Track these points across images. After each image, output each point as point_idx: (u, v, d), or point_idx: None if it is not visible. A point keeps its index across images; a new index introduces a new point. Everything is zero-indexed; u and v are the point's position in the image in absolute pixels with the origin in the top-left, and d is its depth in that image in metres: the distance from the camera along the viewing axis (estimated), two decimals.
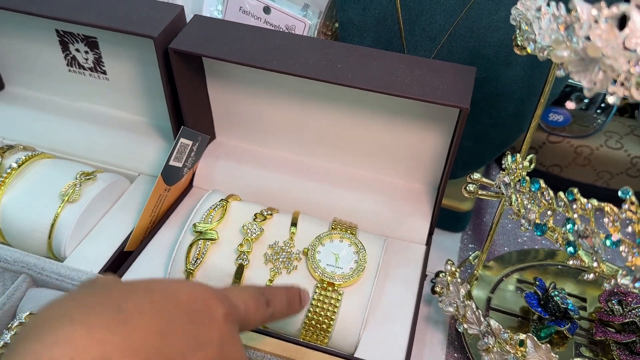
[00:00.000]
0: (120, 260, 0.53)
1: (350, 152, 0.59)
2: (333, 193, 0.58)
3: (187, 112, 0.57)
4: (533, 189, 0.39)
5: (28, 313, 0.44)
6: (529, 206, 0.40)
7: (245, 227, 0.50)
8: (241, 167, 0.61)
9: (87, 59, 0.62)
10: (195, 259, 0.49)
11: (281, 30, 0.58)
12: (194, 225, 0.50)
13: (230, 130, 0.63)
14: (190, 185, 0.61)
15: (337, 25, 0.61)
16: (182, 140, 0.55)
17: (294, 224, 0.51)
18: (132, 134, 0.63)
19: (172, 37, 0.52)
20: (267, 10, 0.57)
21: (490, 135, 0.56)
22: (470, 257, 0.58)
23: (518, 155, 0.42)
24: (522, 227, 0.40)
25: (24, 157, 0.56)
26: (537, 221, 0.39)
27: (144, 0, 0.54)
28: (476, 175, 0.47)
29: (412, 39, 0.54)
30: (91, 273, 0.48)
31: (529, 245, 0.65)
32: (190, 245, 0.49)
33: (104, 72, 0.62)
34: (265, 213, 0.52)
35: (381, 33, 0.55)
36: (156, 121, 0.64)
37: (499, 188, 0.45)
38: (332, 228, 0.51)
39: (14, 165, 0.55)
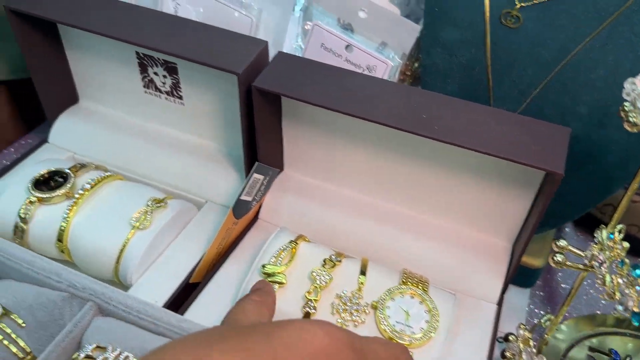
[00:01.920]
0: (186, 292, 0.52)
1: (422, 199, 0.57)
2: (401, 239, 0.56)
3: (261, 146, 0.56)
4: (634, 275, 0.36)
5: (95, 346, 0.44)
6: (626, 291, 0.37)
7: (314, 274, 0.49)
8: (308, 203, 0.60)
9: (164, 83, 0.62)
10: None
11: (362, 69, 0.56)
12: (263, 266, 0.49)
13: (299, 165, 0.62)
14: (255, 218, 0.61)
15: (416, 65, 0.60)
16: (254, 175, 0.54)
17: (362, 272, 0.50)
18: (202, 160, 0.63)
19: (254, 73, 0.52)
20: (349, 48, 0.56)
21: (574, 196, 0.53)
22: (542, 321, 0.55)
23: (616, 232, 0.40)
24: (615, 312, 0.38)
25: (96, 178, 0.57)
26: (636, 309, 0.36)
27: (227, 32, 0.54)
28: (562, 243, 0.45)
29: (500, 90, 0.52)
30: (158, 307, 0.48)
31: (602, 310, 0.61)
32: None
33: (180, 97, 0.63)
34: (335, 259, 0.50)
35: (467, 81, 0.53)
36: (227, 149, 0.64)
37: (589, 261, 0.42)
38: (403, 281, 0.49)
39: (87, 186, 0.56)
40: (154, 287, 0.52)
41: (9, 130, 0.76)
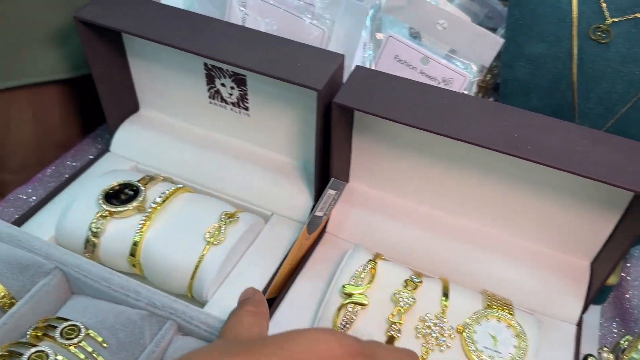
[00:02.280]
0: None
1: (500, 217, 0.55)
2: (479, 258, 0.55)
3: (335, 161, 0.55)
4: None
5: None
6: None
7: (397, 295, 0.48)
8: (376, 217, 0.59)
9: (231, 94, 0.61)
10: (344, 324, 0.47)
11: (437, 81, 0.55)
12: (343, 286, 0.48)
13: (366, 177, 0.61)
14: (323, 231, 0.60)
15: (489, 77, 0.58)
16: (329, 191, 0.53)
17: (445, 294, 0.49)
18: (267, 172, 0.62)
19: (332, 88, 0.51)
20: (424, 60, 0.55)
21: None
22: (621, 341, 0.54)
23: None
24: None
25: (167, 192, 0.56)
26: None
27: (302, 45, 0.53)
28: None
29: (585, 106, 0.51)
30: None
31: None
32: (339, 308, 0.48)
33: (246, 109, 0.62)
34: (416, 280, 0.49)
35: (551, 96, 0.52)
36: (293, 160, 0.63)
37: None
38: (488, 304, 0.48)
39: (159, 199, 0.55)
40: (230, 304, 0.51)
41: (62, 133, 0.75)
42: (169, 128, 0.67)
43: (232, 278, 0.54)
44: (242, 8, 0.59)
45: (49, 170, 0.69)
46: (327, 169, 0.57)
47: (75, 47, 0.68)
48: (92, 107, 0.71)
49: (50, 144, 0.74)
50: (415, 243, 0.57)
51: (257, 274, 0.54)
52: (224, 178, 0.63)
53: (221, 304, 0.52)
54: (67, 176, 0.68)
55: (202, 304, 0.53)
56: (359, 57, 0.59)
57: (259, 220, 0.59)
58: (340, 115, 0.51)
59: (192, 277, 0.52)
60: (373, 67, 0.58)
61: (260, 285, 0.53)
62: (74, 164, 0.71)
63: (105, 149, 0.67)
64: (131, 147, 0.66)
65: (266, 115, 0.61)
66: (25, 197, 0.66)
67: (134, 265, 0.55)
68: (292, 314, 0.51)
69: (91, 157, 0.72)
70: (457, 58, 0.54)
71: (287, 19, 0.58)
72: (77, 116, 0.77)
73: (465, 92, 0.55)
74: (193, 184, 0.63)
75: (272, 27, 0.59)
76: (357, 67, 0.52)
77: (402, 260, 0.56)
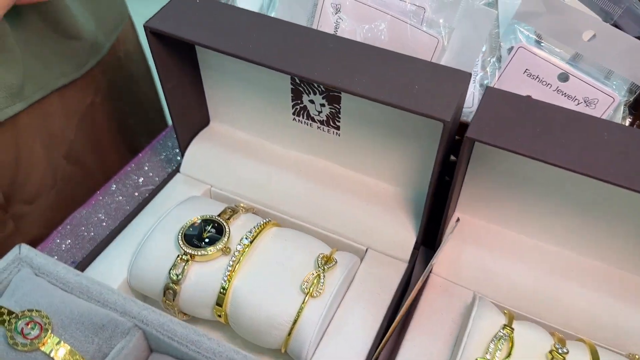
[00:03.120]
0: None
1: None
2: (620, 309, 0.47)
3: (455, 197, 0.47)
4: None
5: None
6: None
7: None
8: (489, 255, 0.51)
9: (320, 112, 0.53)
10: None
11: (577, 101, 0.46)
12: None
13: (476, 210, 0.52)
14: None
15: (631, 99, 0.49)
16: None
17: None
18: (362, 200, 0.54)
19: (456, 114, 0.42)
20: (562, 76, 0.46)
21: None
22: None
23: None
24: None
25: (254, 230, 0.49)
26: None
27: (416, 61, 0.44)
28: None
29: None
30: None
31: None
32: None
33: (337, 128, 0.53)
34: (562, 351, 0.41)
35: None
36: (395, 188, 0.55)
37: None
38: None
39: (246, 241, 0.48)
40: None
41: (72, 148, 0.68)
42: (245, 145, 0.59)
43: (332, 332, 0.47)
44: (335, 12, 0.50)
45: (106, 194, 0.63)
46: (436, 201, 0.49)
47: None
48: (101, 113, 0.62)
49: (62, 161, 0.67)
50: (538, 285, 0.48)
51: (360, 327, 0.47)
52: (311, 205, 0.55)
53: None
54: (127, 206, 0.62)
55: None
56: (475, 71, 0.50)
57: (355, 260, 0.51)
58: (468, 150, 0.42)
59: (289, 334, 0.45)
60: (494, 84, 0.49)
61: (364, 342, 0.46)
62: (136, 177, 0.65)
63: (176, 170, 0.60)
64: (203, 168, 0.59)
65: (360, 135, 0.53)
66: (84, 228, 0.59)
67: (219, 315, 0.48)
68: None
69: (150, 174, 0.65)
70: (605, 76, 0.45)
71: (391, 25, 0.49)
72: (84, 124, 0.69)
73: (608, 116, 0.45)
74: (275, 212, 0.56)
75: (372, 34, 0.50)
76: (489, 89, 0.43)
77: (525, 309, 0.48)
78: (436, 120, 0.40)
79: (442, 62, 0.49)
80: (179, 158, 0.66)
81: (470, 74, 0.43)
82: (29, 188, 0.62)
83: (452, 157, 0.51)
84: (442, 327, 0.47)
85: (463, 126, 0.48)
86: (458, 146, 0.45)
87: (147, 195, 0.57)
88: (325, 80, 0.43)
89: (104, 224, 0.60)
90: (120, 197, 0.63)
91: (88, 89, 0.67)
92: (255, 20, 0.49)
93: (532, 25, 0.45)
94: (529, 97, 0.42)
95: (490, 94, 0.42)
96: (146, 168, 0.66)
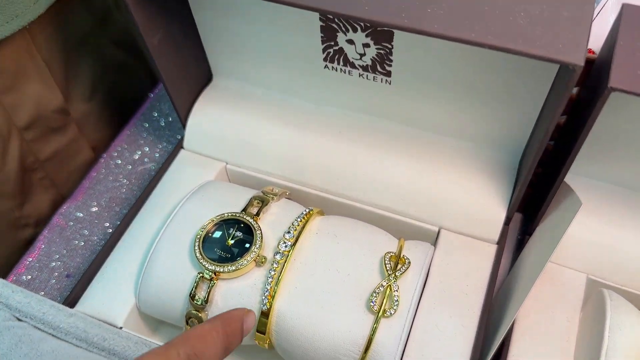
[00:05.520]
0: None
1: None
2: None
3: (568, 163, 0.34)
4: None
5: None
6: None
7: None
8: (605, 225, 0.38)
9: (362, 54, 0.39)
10: None
11: None
12: None
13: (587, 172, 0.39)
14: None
15: None
16: None
17: None
18: (426, 165, 0.41)
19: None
20: None
21: None
22: None
23: None
24: None
25: (293, 230, 0.37)
26: None
27: None
28: None
29: None
30: None
31: None
32: None
33: (387, 74, 0.39)
34: None
35: None
36: (470, 145, 0.42)
37: None
38: None
39: (285, 247, 0.36)
40: None
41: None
42: (263, 105, 0.46)
43: (412, 356, 0.35)
44: None
45: (96, 180, 0.50)
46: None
47: None
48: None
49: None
50: None
51: (449, 344, 0.35)
52: (358, 178, 0.43)
53: None
54: (124, 190, 0.49)
55: None
56: None
57: (429, 251, 0.39)
58: (600, 104, 0.29)
59: None
60: None
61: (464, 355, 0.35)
62: (133, 159, 0.52)
63: (180, 146, 0.47)
64: (213, 141, 0.46)
65: (422, 81, 0.39)
66: (76, 230, 0.47)
67: (264, 344, 0.37)
68: None
69: (154, 153, 0.52)
70: None
71: None
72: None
73: None
74: (313, 190, 0.43)
75: None
76: (627, 7, 0.28)
77: None
78: (564, 65, 0.27)
79: None
80: (179, 125, 0.53)
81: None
82: (84, 82, 0.52)
83: None
84: (556, 330, 0.36)
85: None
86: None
87: (149, 181, 0.45)
88: (381, 19, 0.29)
89: (98, 221, 0.48)
90: (114, 182, 0.50)
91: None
92: None
93: None
94: None
95: (630, 16, 0.28)
96: (141, 142, 0.53)
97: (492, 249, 0.39)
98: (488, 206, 0.40)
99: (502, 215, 0.39)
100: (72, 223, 0.48)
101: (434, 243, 0.41)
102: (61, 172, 0.53)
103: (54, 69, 0.48)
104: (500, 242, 0.40)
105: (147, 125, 0.54)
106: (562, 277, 0.38)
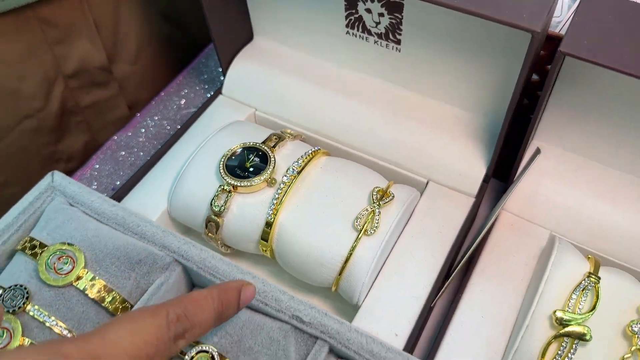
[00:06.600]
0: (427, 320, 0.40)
1: None
2: None
3: (534, 124, 0.40)
4: None
5: None
6: None
7: (631, 329, 0.34)
8: (569, 188, 0.44)
9: (377, 23, 0.46)
10: None
11: None
12: (555, 312, 0.35)
13: (558, 139, 0.45)
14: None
15: None
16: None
17: None
18: (422, 125, 0.48)
19: (546, 25, 0.34)
20: None
21: None
22: None
23: None
24: None
25: (301, 160, 0.44)
26: None
27: None
28: None
29: None
30: (407, 356, 0.36)
31: None
32: (549, 342, 0.35)
33: (397, 42, 0.46)
34: None
35: None
36: (463, 112, 0.48)
37: None
38: None
39: (292, 172, 0.43)
40: (387, 311, 0.40)
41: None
42: (292, 63, 0.53)
43: (387, 273, 0.42)
44: None
45: (148, 116, 0.58)
46: (512, 128, 0.42)
47: None
48: None
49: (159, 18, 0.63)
50: (634, 228, 0.42)
51: (419, 269, 0.42)
52: (365, 132, 0.50)
53: (378, 311, 0.41)
54: (168, 127, 0.58)
55: (352, 306, 0.42)
56: None
57: (415, 194, 0.46)
58: (558, 65, 0.35)
59: (340, 273, 0.41)
60: None
61: (423, 286, 0.41)
62: (178, 103, 0.60)
63: (218, 92, 0.55)
64: (247, 89, 0.54)
65: (425, 51, 0.46)
66: (123, 154, 0.56)
67: (265, 251, 0.44)
68: (471, 333, 0.39)
69: (191, 95, 0.60)
70: None
71: None
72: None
73: None
74: (325, 139, 0.51)
75: None
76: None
77: (610, 252, 0.42)
78: (524, 31, 0.33)
79: None
80: (222, 78, 0.61)
81: None
82: (129, 47, 0.60)
83: (534, 77, 0.44)
84: (513, 271, 0.42)
85: (550, 39, 0.40)
86: (541, 63, 0.38)
87: (188, 118, 0.53)
88: None
89: (144, 149, 0.57)
90: (161, 120, 0.59)
91: None
92: None
93: None
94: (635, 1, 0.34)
95: (587, 3, 0.34)
96: (186, 90, 0.61)
97: (470, 201, 0.46)
98: (470, 165, 0.46)
99: (482, 173, 0.46)
100: (122, 151, 0.56)
101: (422, 192, 0.47)
102: (97, 120, 0.61)
103: (102, 30, 0.56)
104: (478, 197, 0.46)
105: (195, 76, 0.62)
106: (529, 231, 0.44)
